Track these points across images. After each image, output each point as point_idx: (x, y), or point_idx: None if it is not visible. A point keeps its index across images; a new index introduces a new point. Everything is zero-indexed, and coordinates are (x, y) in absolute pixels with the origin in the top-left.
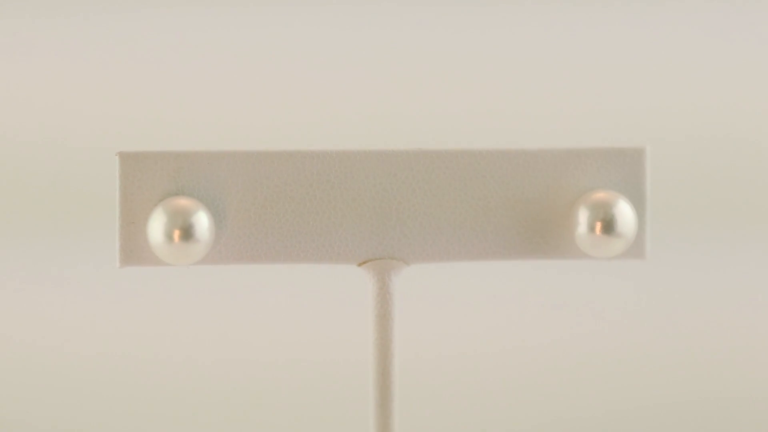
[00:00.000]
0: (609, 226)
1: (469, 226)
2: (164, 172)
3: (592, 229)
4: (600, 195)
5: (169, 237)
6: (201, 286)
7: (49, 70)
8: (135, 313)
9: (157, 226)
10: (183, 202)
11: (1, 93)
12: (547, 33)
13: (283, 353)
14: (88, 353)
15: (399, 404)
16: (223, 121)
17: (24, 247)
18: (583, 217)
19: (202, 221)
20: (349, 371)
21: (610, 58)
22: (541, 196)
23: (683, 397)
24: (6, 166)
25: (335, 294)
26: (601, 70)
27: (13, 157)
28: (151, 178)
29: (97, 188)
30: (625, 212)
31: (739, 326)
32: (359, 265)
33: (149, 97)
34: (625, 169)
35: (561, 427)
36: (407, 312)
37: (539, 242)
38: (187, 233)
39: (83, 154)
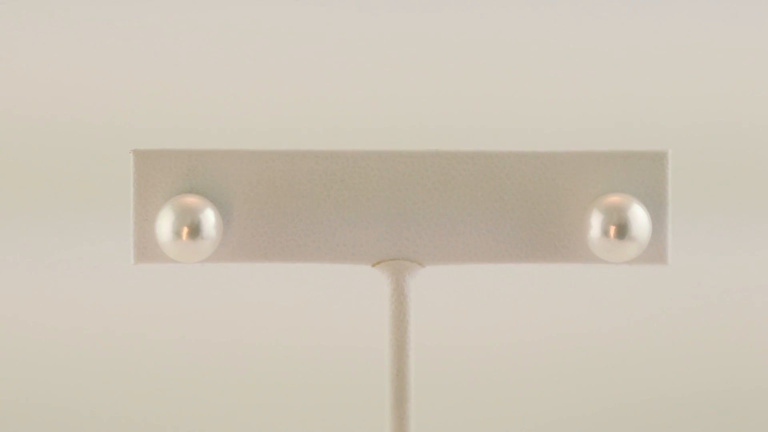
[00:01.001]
0: (622, 230)
1: (484, 228)
2: (178, 169)
3: (605, 233)
4: (614, 198)
5: (177, 234)
6: (214, 281)
7: (66, 54)
8: (148, 301)
9: (164, 223)
10: (190, 199)
11: (19, 80)
12: (561, 26)
13: (300, 346)
14: (109, 337)
15: (414, 406)
16: (238, 119)
17: (31, 230)
18: (596, 220)
19: (210, 219)
20: (367, 370)
21: (626, 50)
22: (559, 199)
23: (699, 388)
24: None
25: (355, 293)
26: (618, 61)
27: (24, 143)
28: (165, 176)
29: (103, 171)
30: (639, 216)
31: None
32: (373, 265)
33: (164, 91)
34: (646, 172)
35: (571, 427)
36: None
37: (554, 246)
38: (195, 231)
39: (89, 139)
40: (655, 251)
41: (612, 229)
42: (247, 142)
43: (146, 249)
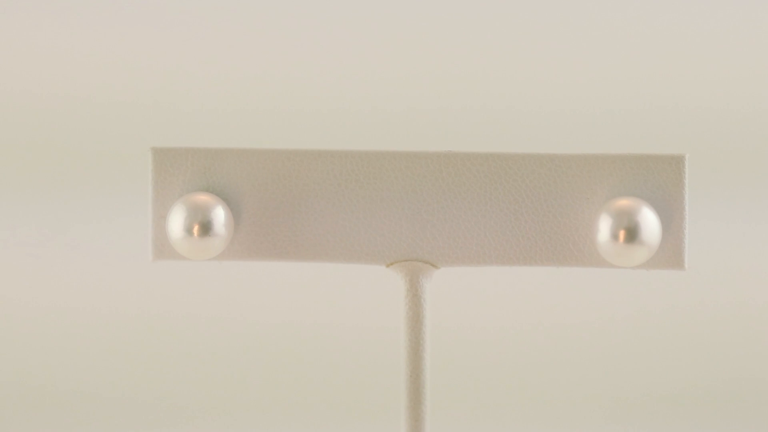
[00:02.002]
0: (632, 234)
1: (498, 230)
2: (195, 167)
3: (614, 237)
4: (623, 202)
5: (188, 232)
6: (226, 276)
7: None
8: (162, 297)
9: (176, 221)
10: (202, 197)
11: (35, 62)
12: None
13: (314, 344)
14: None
15: (430, 407)
16: (255, 117)
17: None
18: (605, 224)
19: (220, 216)
20: (384, 370)
21: (646, 45)
22: (573, 202)
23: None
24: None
25: (372, 292)
26: (637, 53)
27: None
28: (183, 174)
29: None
30: (649, 220)
31: None
32: (388, 266)
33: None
34: (662, 176)
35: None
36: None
37: (567, 249)
38: (206, 228)
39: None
40: (672, 256)
41: (621, 233)
42: (262, 140)
43: (164, 246)
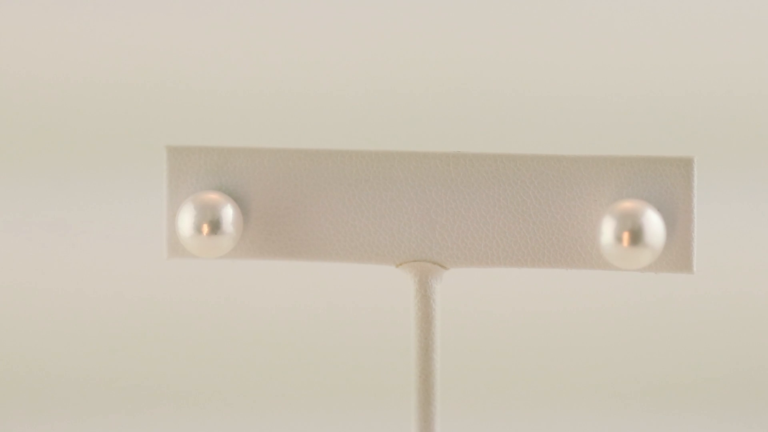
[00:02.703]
0: (636, 237)
1: (507, 231)
2: (208, 166)
3: (618, 239)
4: (627, 204)
5: (197, 230)
6: (235, 274)
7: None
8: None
9: (185, 219)
10: (211, 196)
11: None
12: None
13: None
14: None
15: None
16: (268, 117)
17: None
18: (608, 227)
19: (229, 215)
20: (394, 370)
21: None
22: (582, 204)
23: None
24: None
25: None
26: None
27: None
28: (196, 172)
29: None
30: (652, 222)
31: None
32: (398, 266)
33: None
34: (671, 179)
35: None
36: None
37: (572, 251)
38: (214, 227)
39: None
40: (680, 259)
41: (625, 236)
42: (272, 139)
43: (178, 244)
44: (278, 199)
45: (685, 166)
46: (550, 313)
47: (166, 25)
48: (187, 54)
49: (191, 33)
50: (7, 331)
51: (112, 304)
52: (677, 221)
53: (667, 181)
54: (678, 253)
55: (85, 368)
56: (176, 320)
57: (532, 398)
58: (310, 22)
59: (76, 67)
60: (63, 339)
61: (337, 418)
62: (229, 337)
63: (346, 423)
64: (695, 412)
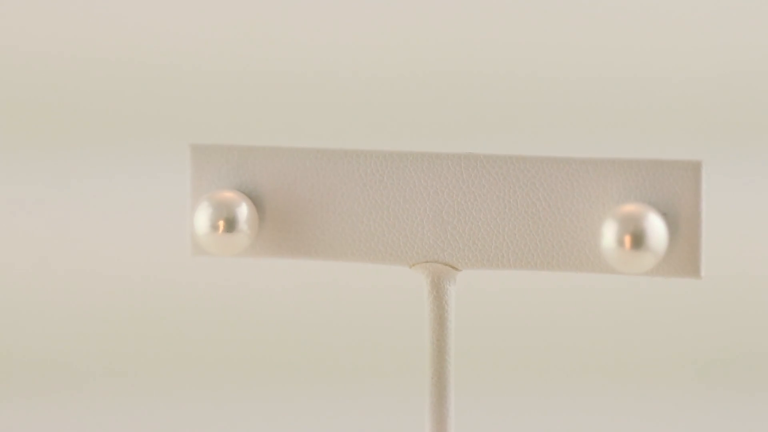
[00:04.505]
0: (638, 241)
1: (518, 233)
2: (229, 164)
3: (620, 243)
4: (629, 208)
5: (213, 228)
6: (249, 272)
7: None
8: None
9: (201, 217)
10: (226, 194)
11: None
12: None
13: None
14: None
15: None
16: (284, 116)
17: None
18: (610, 230)
19: (243, 214)
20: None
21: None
22: (590, 206)
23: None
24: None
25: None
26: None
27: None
28: (218, 170)
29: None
30: (655, 226)
31: None
32: (411, 266)
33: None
34: (678, 182)
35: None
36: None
37: (581, 254)
38: (230, 225)
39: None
40: (687, 264)
41: (627, 239)
42: (287, 138)
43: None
44: (293, 198)
45: (693, 169)
46: (563, 315)
47: (183, 22)
48: (207, 50)
49: (210, 30)
50: (15, 323)
51: (129, 299)
52: (685, 225)
53: (676, 185)
54: (685, 258)
55: (94, 361)
56: (191, 316)
57: (545, 398)
58: (330, 23)
59: (99, 63)
60: (75, 333)
61: (351, 419)
62: (241, 337)
63: (361, 424)
64: (696, 412)
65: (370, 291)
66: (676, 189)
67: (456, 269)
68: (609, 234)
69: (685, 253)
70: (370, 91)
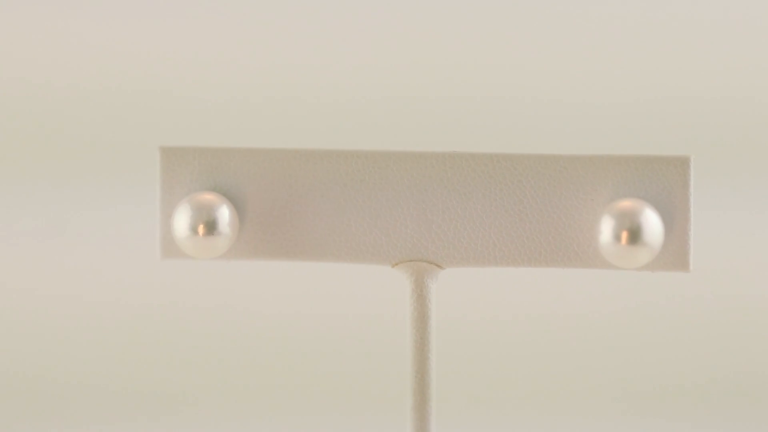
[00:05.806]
0: (634, 236)
1: (504, 231)
2: (202, 166)
3: (617, 238)
4: (625, 203)
5: (193, 231)
6: (230, 274)
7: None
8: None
9: (180, 220)
10: (206, 197)
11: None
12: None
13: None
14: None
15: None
16: (260, 116)
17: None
18: (607, 226)
19: (225, 216)
20: (390, 370)
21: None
22: (578, 203)
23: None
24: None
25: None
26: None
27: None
28: (190, 173)
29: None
30: (651, 221)
31: None
32: (393, 266)
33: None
34: (667, 178)
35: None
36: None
37: (569, 250)
38: (210, 228)
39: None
40: (676, 258)
41: (624, 235)
42: (267, 139)
43: (172, 245)
44: (273, 200)
45: (681, 164)
46: (547, 314)
47: (158, 28)
48: (181, 56)
49: (183, 35)
50: (2, 335)
51: (108, 307)
52: (674, 220)
53: (664, 180)
54: (674, 252)
55: (81, 372)
56: (172, 323)
57: (528, 399)
58: (304, 22)
59: (69, 71)
60: (59, 343)
61: (332, 420)
62: (222, 337)
63: (342, 424)
64: (693, 414)
65: (348, 292)
66: (665, 184)
67: (439, 267)
68: (606, 230)
69: (674, 247)
70: (353, 90)
